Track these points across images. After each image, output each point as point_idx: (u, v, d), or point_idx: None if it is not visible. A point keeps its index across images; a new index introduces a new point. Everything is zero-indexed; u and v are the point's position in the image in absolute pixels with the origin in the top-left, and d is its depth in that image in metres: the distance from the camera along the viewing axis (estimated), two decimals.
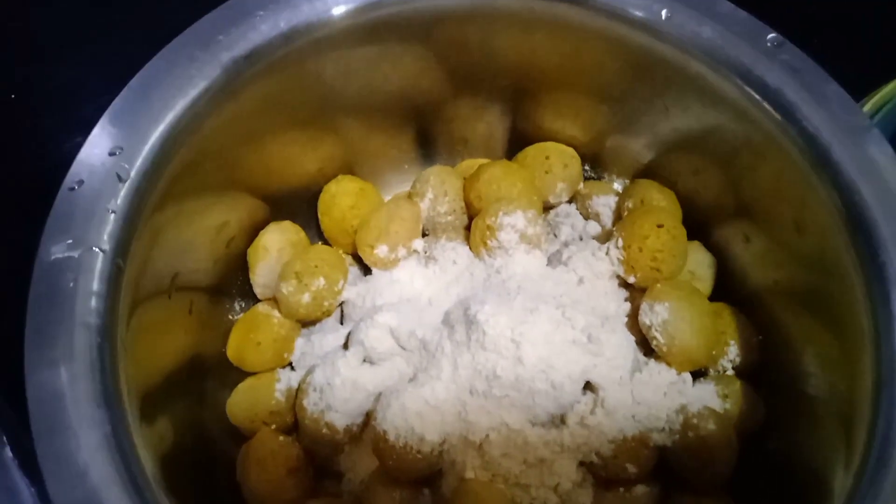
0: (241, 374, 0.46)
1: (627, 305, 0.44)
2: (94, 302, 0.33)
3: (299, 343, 0.46)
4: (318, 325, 0.47)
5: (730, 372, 0.43)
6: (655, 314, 0.41)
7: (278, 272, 0.45)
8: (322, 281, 0.44)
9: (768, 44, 0.38)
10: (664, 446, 0.40)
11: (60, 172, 0.59)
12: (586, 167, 0.51)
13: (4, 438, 0.46)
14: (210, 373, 0.44)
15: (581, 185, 0.50)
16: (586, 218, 0.49)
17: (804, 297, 0.41)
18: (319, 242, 0.51)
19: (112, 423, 0.31)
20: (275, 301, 0.45)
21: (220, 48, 0.38)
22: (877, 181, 0.35)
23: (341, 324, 0.47)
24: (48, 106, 0.59)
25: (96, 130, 0.36)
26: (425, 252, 0.46)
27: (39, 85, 0.60)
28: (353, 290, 0.46)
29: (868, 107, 0.45)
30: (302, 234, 0.48)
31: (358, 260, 0.48)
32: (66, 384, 0.31)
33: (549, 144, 0.49)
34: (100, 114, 0.61)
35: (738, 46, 0.39)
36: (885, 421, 0.32)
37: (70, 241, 0.34)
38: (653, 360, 0.42)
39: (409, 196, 0.48)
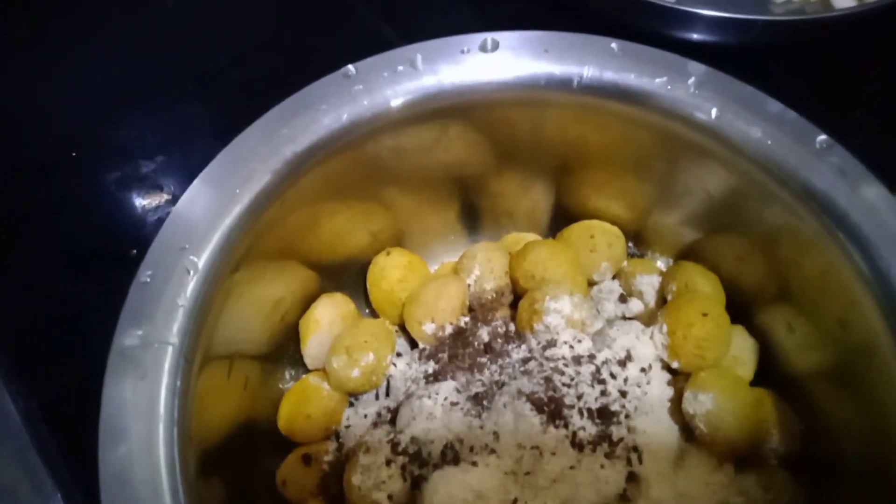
0: (290, 442, 0.47)
1: (671, 391, 0.44)
2: (163, 394, 0.34)
3: (346, 413, 0.47)
4: (364, 396, 0.49)
5: (772, 461, 0.44)
6: (700, 403, 0.41)
7: (329, 344, 0.47)
8: (371, 356, 0.45)
9: (817, 145, 0.39)
10: None
11: (118, 228, 0.62)
12: (629, 244, 0.52)
13: (59, 496, 0.48)
14: (260, 442, 0.46)
15: (625, 263, 0.51)
16: (629, 295, 0.50)
17: (846, 384, 0.41)
18: (367, 312, 0.52)
19: None
20: (324, 372, 0.47)
21: (283, 141, 0.40)
22: None
23: (387, 395, 0.48)
24: (108, 163, 0.61)
25: (167, 225, 0.38)
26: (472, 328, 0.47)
27: (99, 143, 0.62)
28: (401, 362, 0.47)
29: None
30: (352, 305, 0.49)
31: (405, 330, 0.50)
32: (137, 475, 0.33)
33: (594, 223, 0.50)
34: (155, 172, 0.64)
35: (787, 147, 0.39)
36: None
37: (141, 334, 0.35)
38: (695, 448, 0.43)
39: (456, 271, 0.50)
